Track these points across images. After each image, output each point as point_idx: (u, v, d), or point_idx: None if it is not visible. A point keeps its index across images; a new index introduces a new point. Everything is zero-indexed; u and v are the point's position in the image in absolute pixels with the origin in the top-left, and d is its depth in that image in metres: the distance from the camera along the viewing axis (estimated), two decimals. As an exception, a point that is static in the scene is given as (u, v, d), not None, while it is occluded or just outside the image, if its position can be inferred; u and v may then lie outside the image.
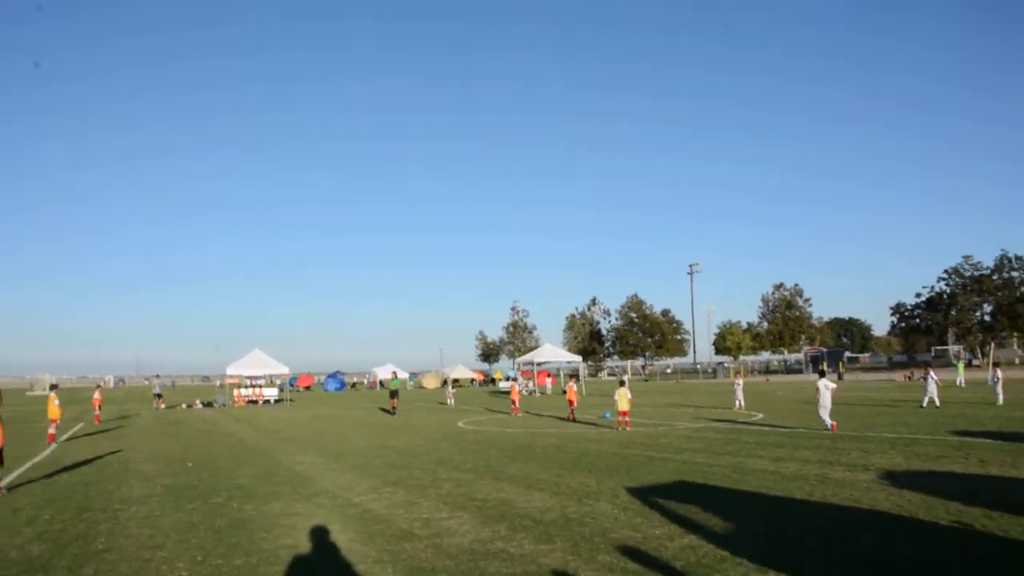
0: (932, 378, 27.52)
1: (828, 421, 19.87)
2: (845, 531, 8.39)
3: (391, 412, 34.26)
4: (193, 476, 14.77)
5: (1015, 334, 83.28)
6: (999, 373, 29.73)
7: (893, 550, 7.50)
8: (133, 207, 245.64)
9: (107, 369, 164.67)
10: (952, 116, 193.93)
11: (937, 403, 26.78)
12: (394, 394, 35.79)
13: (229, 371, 50.37)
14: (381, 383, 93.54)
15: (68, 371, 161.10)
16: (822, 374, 21.88)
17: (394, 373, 39.16)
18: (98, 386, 39.99)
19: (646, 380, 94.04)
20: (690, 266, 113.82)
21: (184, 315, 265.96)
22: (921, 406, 26.84)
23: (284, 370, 52.24)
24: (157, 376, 55.38)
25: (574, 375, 47.74)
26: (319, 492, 12.43)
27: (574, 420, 26.51)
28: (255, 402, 51.09)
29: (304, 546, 8.52)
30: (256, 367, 50.36)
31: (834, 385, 20.58)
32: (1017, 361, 75.30)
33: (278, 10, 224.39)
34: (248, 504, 11.36)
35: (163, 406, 46.76)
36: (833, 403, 20.51)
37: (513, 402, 33.21)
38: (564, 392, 56.29)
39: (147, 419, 35.93)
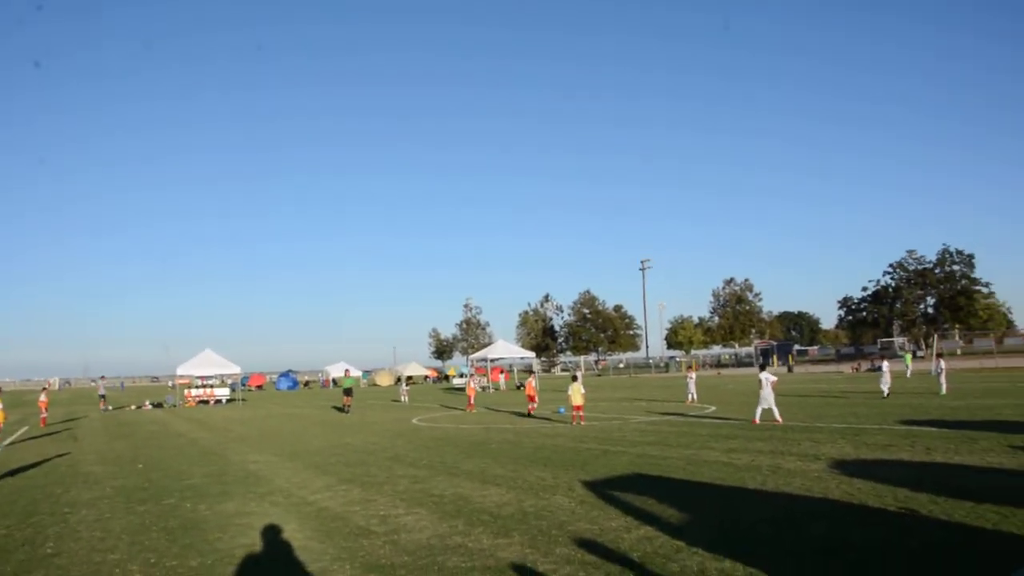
0: (884, 369, 28.25)
1: (759, 412, 20.27)
2: (798, 520, 8.54)
3: (345, 410, 33.98)
4: (144, 477, 14.53)
5: (957, 326, 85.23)
6: (942, 364, 30.46)
7: (844, 537, 7.65)
8: (78, 209, 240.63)
9: (53, 371, 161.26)
10: (897, 109, 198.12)
11: (885, 393, 27.45)
12: (348, 392, 35.50)
13: (179, 371, 49.51)
14: (334, 381, 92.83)
15: (12, 373, 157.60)
16: (763, 367, 22.28)
17: (347, 371, 38.74)
18: (44, 388, 39.07)
19: (599, 375, 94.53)
20: (642, 262, 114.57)
21: (132, 315, 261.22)
22: (883, 396, 27.34)
23: (235, 370, 51.51)
24: (102, 377, 54.16)
25: (532, 371, 47.92)
26: (274, 491, 12.31)
27: (531, 415, 26.58)
28: (206, 402, 50.35)
29: (260, 545, 8.44)
30: (207, 367, 49.56)
31: (774, 378, 20.93)
32: (959, 352, 77.02)
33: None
34: (201, 504, 11.21)
35: (109, 407, 45.90)
36: (779, 394, 20.86)
37: (469, 398, 33.20)
38: (519, 387, 56.59)
39: (95, 421, 35.23)
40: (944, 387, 28.87)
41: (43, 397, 34.50)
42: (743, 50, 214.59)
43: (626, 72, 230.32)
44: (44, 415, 33.13)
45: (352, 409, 34.22)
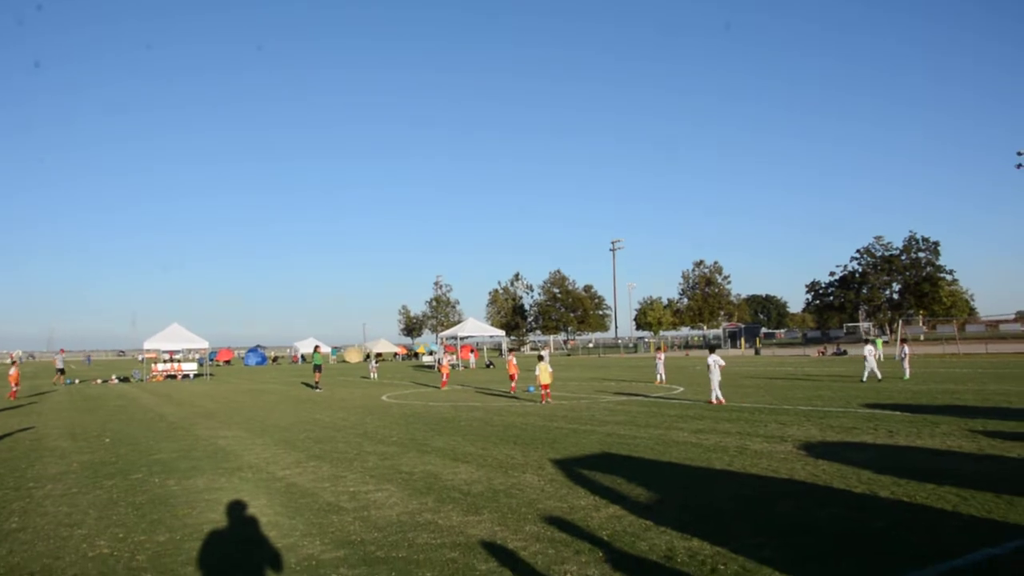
0: (869, 352, 28.32)
1: (716, 394, 20.94)
2: (764, 500, 8.66)
3: (315, 387, 33.87)
4: (111, 452, 14.40)
5: (921, 312, 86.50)
6: (906, 349, 30.86)
7: (809, 518, 7.77)
8: (45, 176, 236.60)
9: (16, 343, 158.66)
10: (867, 97, 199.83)
11: (866, 377, 27.59)
12: (317, 368, 35.36)
13: (147, 345, 49.13)
14: (303, 357, 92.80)
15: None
16: (712, 349, 22.53)
17: (318, 347, 38.52)
18: (14, 361, 38.36)
19: (568, 355, 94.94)
20: (612, 243, 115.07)
21: (99, 288, 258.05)
22: (878, 379, 27.34)
23: (203, 344, 51.19)
24: (61, 351, 53.48)
25: (513, 350, 48.01)
26: (243, 466, 12.26)
27: (513, 394, 26.75)
28: (174, 377, 50.02)
29: (229, 521, 8.41)
30: (175, 341, 49.22)
31: (723, 362, 21.54)
32: (922, 338, 78.24)
33: None
34: (170, 479, 11.14)
35: (63, 382, 45.27)
36: (747, 377, 21.12)
37: (443, 376, 33.20)
38: (488, 366, 56.70)
39: (60, 395, 34.81)
40: (907, 371, 29.29)
41: (13, 371, 33.99)
42: (717, 38, 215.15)
43: (602, 56, 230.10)
44: (15, 388, 32.69)
45: (322, 385, 34.07)
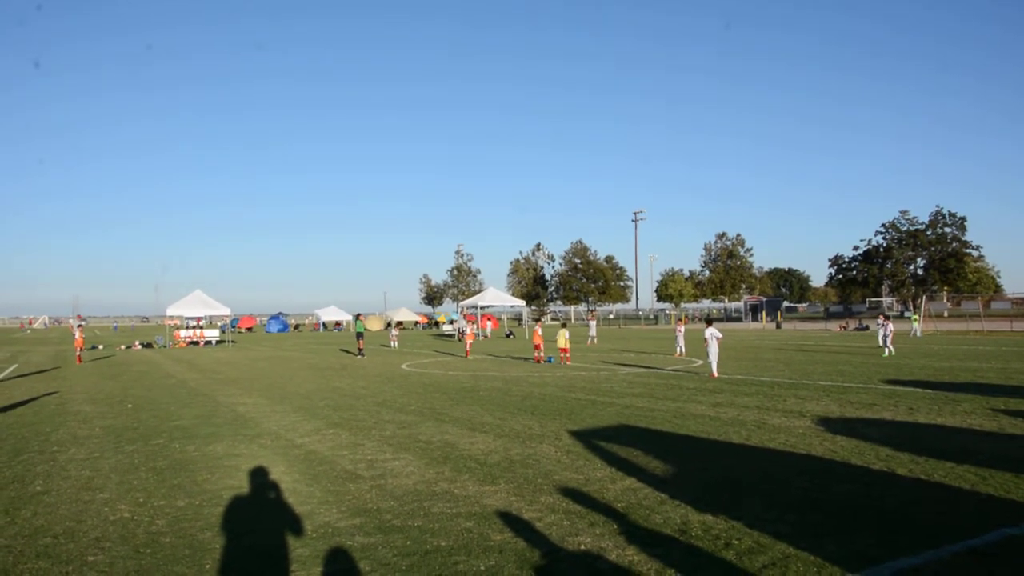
0: (888, 328, 28.84)
1: (714, 367, 21.25)
2: (781, 475, 8.63)
3: (357, 353, 34.77)
4: (133, 417, 14.59)
5: (946, 288, 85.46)
6: (890, 326, 29.86)
7: (826, 493, 7.74)
8: (69, 147, 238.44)
9: (42, 310, 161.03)
10: (895, 62, 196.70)
11: (886, 351, 28.43)
12: (360, 336, 36.04)
13: (169, 312, 49.60)
14: (324, 325, 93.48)
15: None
16: (710, 323, 22.52)
17: (359, 316, 39.18)
18: (80, 326, 38.62)
19: (587, 325, 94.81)
20: (634, 213, 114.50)
21: (123, 255, 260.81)
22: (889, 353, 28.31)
23: (225, 311, 51.58)
24: (78, 316, 53.88)
25: (538, 319, 48.14)
26: (262, 433, 12.38)
27: (539, 362, 27.64)
28: (196, 343, 50.47)
29: (247, 487, 8.51)
30: (197, 308, 49.63)
31: (720, 335, 21.80)
32: (946, 314, 77.45)
33: None
34: (190, 445, 11.28)
35: (99, 346, 45.83)
36: (767, 350, 21.08)
37: (467, 345, 33.45)
38: (508, 336, 56.78)
39: (85, 360, 35.21)
40: (891, 349, 28.82)
41: (78, 335, 34.29)
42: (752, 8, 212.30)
43: (629, 13, 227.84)
44: (79, 353, 33.17)
45: (366, 352, 34.61)
